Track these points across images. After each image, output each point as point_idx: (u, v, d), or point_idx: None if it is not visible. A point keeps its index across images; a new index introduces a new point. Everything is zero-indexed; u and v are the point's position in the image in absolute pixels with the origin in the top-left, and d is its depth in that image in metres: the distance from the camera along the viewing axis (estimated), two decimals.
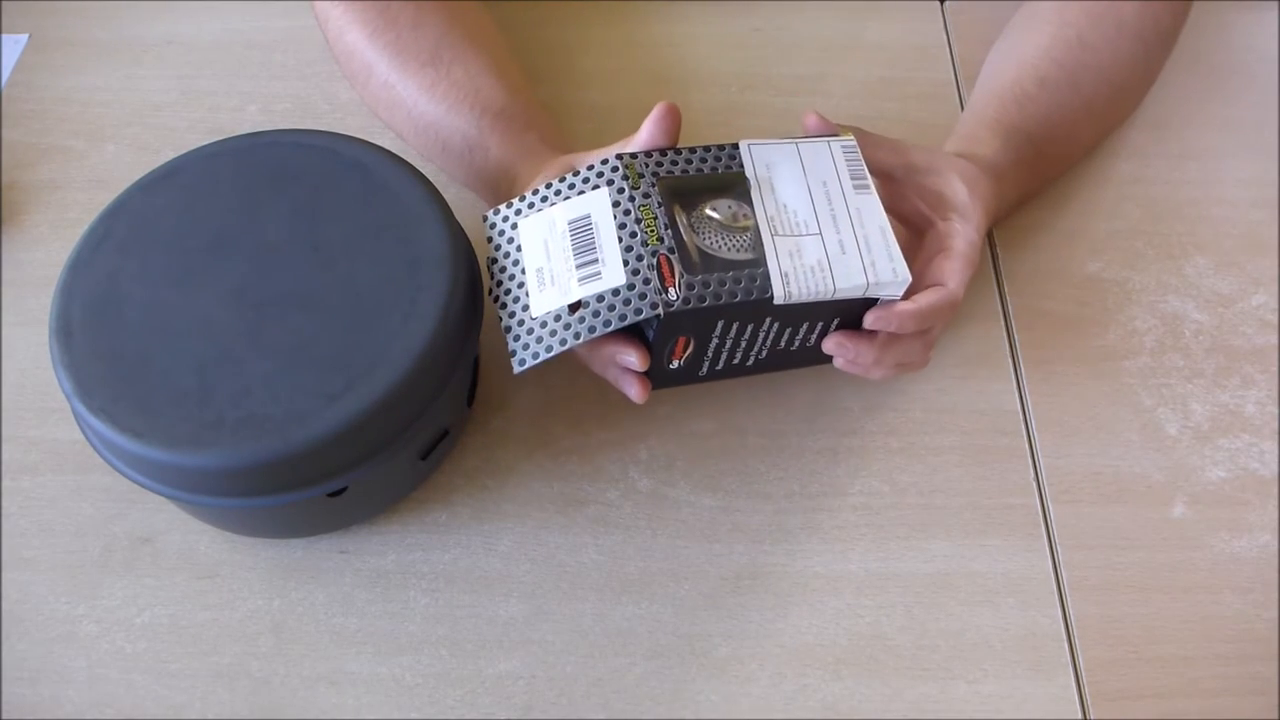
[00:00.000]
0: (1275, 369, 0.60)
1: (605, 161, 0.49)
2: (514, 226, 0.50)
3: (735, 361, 0.52)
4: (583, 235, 0.48)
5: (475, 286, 0.53)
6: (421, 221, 0.51)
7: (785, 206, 0.48)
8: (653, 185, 0.48)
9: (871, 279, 0.48)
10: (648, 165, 0.48)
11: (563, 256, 0.48)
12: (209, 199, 0.52)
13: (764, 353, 0.52)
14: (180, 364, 0.47)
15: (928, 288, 0.51)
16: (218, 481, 0.46)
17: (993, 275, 0.63)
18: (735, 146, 0.50)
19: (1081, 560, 0.54)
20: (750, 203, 0.48)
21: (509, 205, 0.51)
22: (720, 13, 0.76)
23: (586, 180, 0.49)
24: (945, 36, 0.75)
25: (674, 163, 0.49)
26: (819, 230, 0.48)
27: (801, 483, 0.56)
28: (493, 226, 0.51)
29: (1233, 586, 0.53)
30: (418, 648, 0.51)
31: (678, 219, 0.47)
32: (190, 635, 0.51)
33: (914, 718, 0.49)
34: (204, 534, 0.54)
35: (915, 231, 0.55)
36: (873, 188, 0.50)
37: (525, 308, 0.48)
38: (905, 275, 0.48)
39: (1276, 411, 0.58)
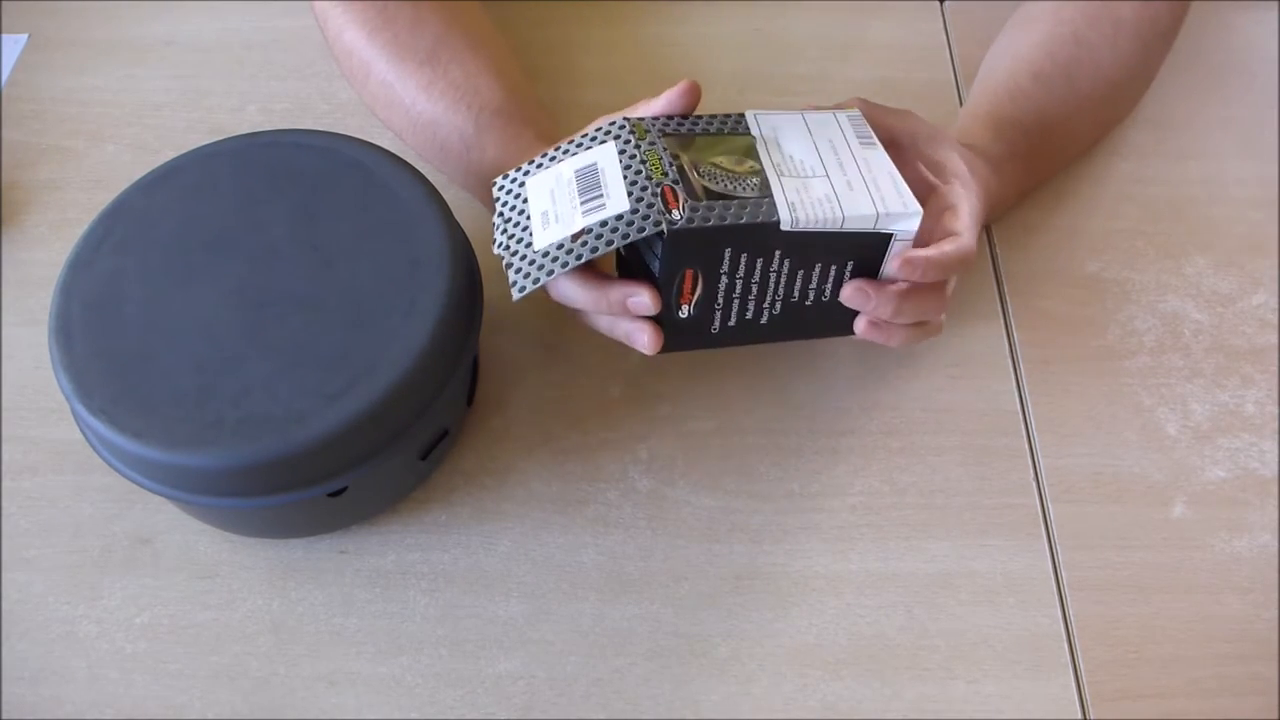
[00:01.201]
0: (1275, 369, 0.60)
1: (613, 122, 0.50)
2: (522, 184, 0.51)
3: (749, 316, 0.51)
4: (589, 179, 0.48)
5: (475, 286, 0.53)
6: (421, 221, 0.51)
7: (791, 158, 0.49)
8: (659, 137, 0.49)
9: (881, 209, 0.47)
10: (654, 124, 0.50)
11: (568, 199, 0.48)
12: (209, 199, 0.52)
13: (777, 306, 0.51)
14: (180, 364, 0.47)
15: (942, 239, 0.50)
16: (218, 481, 0.46)
17: (993, 275, 0.63)
18: (742, 115, 0.51)
19: (1081, 560, 0.54)
20: (757, 156, 0.49)
21: (517, 169, 0.52)
22: (720, 13, 0.76)
23: (594, 139, 0.50)
24: (945, 36, 0.75)
25: (680, 124, 0.50)
26: (826, 174, 0.49)
27: (801, 483, 0.56)
28: (501, 189, 0.52)
29: (1233, 586, 0.53)
30: (418, 648, 0.51)
31: (684, 163, 0.48)
32: (190, 635, 0.51)
33: (914, 718, 0.49)
34: (204, 534, 0.54)
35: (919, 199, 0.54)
36: (879, 144, 0.51)
37: (529, 245, 0.48)
38: (916, 207, 0.48)
39: (1276, 411, 0.58)
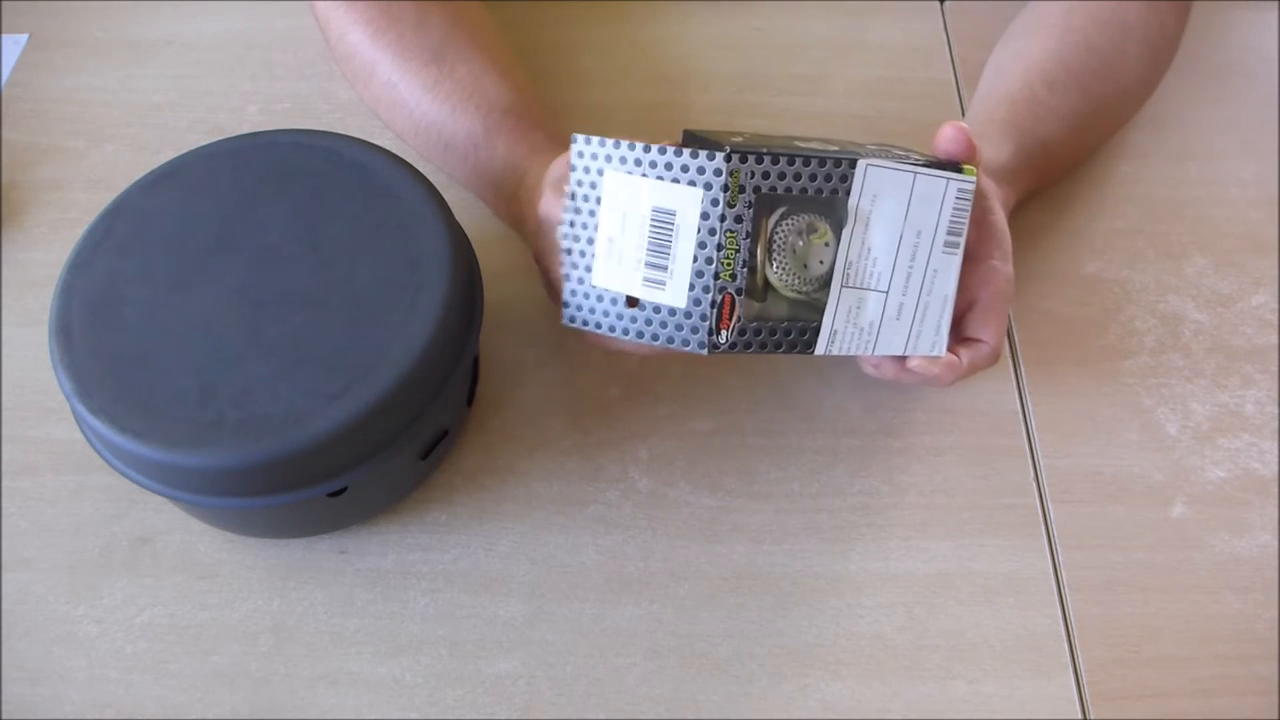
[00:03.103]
0: (1275, 369, 0.60)
1: (711, 158, 0.45)
2: (600, 172, 0.47)
3: None
4: (662, 231, 0.46)
5: (475, 286, 0.53)
6: (421, 221, 0.51)
7: (869, 251, 0.48)
8: (748, 207, 0.46)
9: (910, 350, 0.49)
10: (753, 177, 0.45)
11: (636, 241, 0.47)
12: (209, 199, 0.52)
13: None
14: (180, 364, 0.47)
15: (970, 340, 0.51)
16: (218, 481, 0.46)
17: None
18: (853, 165, 0.47)
19: (1081, 560, 0.54)
20: (838, 233, 0.47)
21: (601, 143, 0.47)
22: (720, 13, 0.76)
23: (685, 169, 0.46)
24: (945, 36, 0.75)
25: (782, 176, 0.46)
26: (887, 289, 0.48)
27: (801, 483, 0.56)
28: (580, 155, 0.48)
29: (1233, 586, 0.53)
30: (418, 648, 0.51)
31: (759, 241, 0.46)
32: (190, 635, 0.51)
33: (914, 718, 0.49)
34: (204, 534, 0.54)
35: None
36: (960, 249, 0.49)
37: (588, 269, 0.48)
38: (942, 351, 0.50)
39: (1276, 411, 0.58)
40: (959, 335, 0.52)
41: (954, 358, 0.50)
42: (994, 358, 0.51)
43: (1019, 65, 0.62)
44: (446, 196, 0.53)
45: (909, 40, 0.74)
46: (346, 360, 0.47)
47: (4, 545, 0.54)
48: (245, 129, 0.58)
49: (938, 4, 0.76)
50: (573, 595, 0.52)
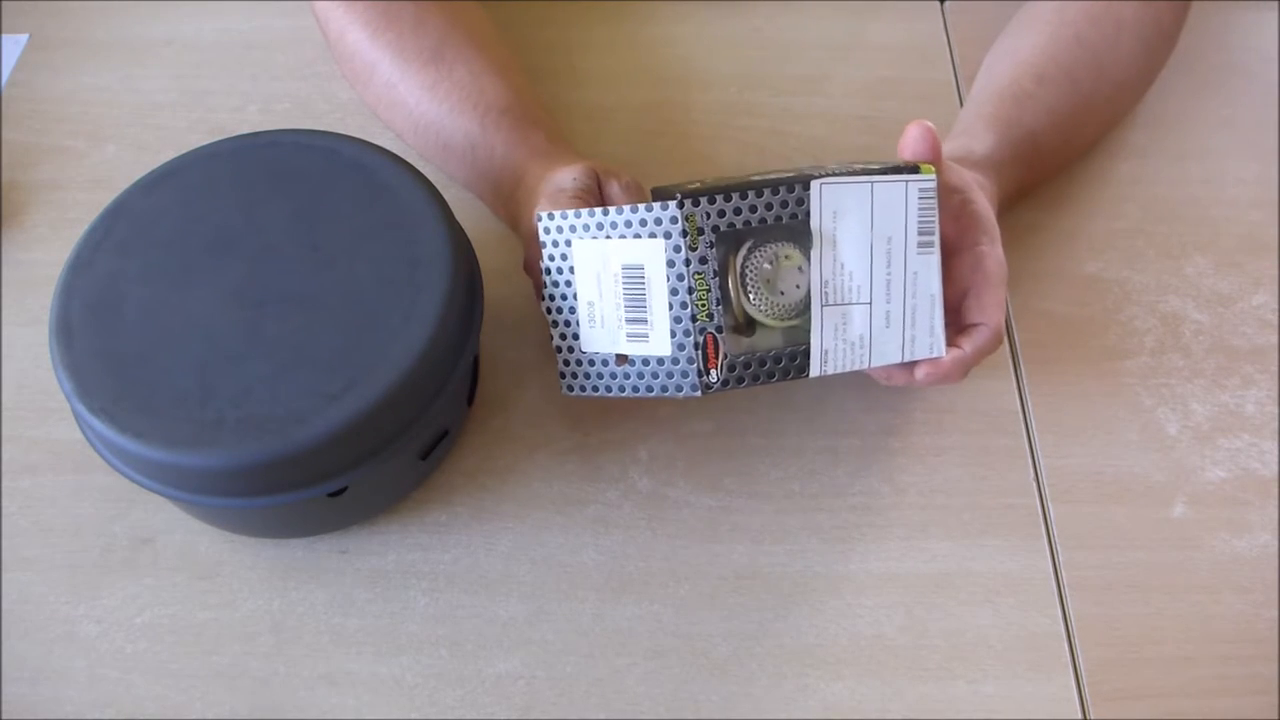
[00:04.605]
0: (1275, 369, 0.60)
1: (665, 208, 0.46)
2: (569, 243, 0.49)
3: None
4: (634, 287, 0.47)
5: (475, 286, 0.53)
6: (421, 221, 0.51)
7: (843, 267, 0.48)
8: (710, 247, 0.46)
9: (907, 356, 0.49)
10: (708, 218, 0.46)
11: (613, 301, 0.48)
12: (209, 199, 0.52)
13: None
14: (180, 364, 0.47)
15: (970, 326, 0.51)
16: (218, 481, 0.46)
17: None
18: (806, 187, 0.47)
19: (1081, 560, 0.54)
20: (808, 255, 0.47)
21: (564, 216, 0.49)
22: (720, 13, 0.76)
23: (644, 224, 0.46)
24: (945, 36, 0.75)
25: (738, 211, 0.46)
26: (870, 299, 0.48)
27: (801, 483, 0.56)
28: (546, 231, 0.50)
29: (1233, 586, 0.53)
30: (418, 648, 0.51)
31: (730, 276, 0.47)
32: (190, 635, 0.51)
33: (914, 718, 0.49)
34: (204, 534, 0.54)
35: (944, 251, 0.53)
36: (936, 247, 0.50)
37: (575, 336, 0.50)
38: (941, 351, 0.50)
39: (1276, 411, 0.58)
40: (959, 325, 0.52)
41: (958, 351, 0.50)
42: (997, 339, 0.51)
43: (1009, 61, 0.63)
44: (446, 196, 0.53)
45: (909, 40, 0.74)
46: (346, 360, 0.47)
47: (4, 545, 0.54)
48: (245, 129, 0.58)
49: (938, 4, 0.76)
50: (573, 595, 0.52)
